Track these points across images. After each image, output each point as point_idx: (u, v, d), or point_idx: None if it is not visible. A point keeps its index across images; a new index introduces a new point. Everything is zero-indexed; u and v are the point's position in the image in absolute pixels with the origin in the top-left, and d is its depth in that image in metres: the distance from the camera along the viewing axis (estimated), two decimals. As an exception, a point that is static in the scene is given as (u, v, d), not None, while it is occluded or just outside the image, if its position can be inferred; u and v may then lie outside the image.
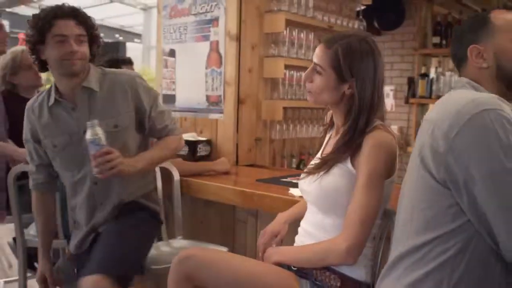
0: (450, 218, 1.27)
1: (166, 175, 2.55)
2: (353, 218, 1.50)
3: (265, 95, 3.19)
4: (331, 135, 1.79)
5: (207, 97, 3.19)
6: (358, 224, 1.49)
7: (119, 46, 13.54)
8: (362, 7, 3.92)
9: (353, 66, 1.60)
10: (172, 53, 3.41)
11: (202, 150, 3.06)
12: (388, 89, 5.12)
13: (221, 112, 3.11)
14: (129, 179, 2.08)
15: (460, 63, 1.51)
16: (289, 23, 3.14)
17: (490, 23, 1.45)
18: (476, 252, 1.26)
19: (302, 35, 3.23)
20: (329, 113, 1.80)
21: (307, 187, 1.68)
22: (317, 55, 1.65)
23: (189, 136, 3.13)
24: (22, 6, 7.95)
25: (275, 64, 3.11)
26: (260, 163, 3.18)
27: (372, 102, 1.61)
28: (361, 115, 1.60)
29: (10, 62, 3.04)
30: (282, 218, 1.85)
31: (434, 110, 1.40)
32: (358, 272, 1.58)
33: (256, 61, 3.12)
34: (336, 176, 1.60)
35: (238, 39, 3.02)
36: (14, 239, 2.83)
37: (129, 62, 2.86)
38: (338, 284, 1.56)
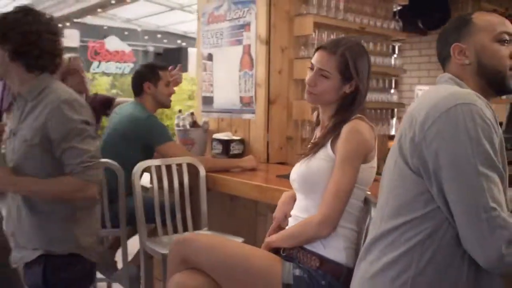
0: (422, 205, 1.35)
1: (193, 171, 2.73)
2: (327, 194, 1.68)
3: (296, 96, 3.31)
4: (316, 132, 1.93)
5: (241, 98, 3.35)
6: (330, 199, 1.66)
7: (181, 52, 14.08)
8: (399, 7, 3.95)
9: (358, 67, 1.79)
10: (210, 57, 3.60)
11: (235, 149, 3.23)
12: (434, 89, 5.08)
13: (253, 113, 3.26)
14: None
15: (444, 61, 1.60)
16: (318, 26, 3.25)
17: (472, 23, 1.53)
18: (445, 238, 1.34)
19: (332, 36, 3.33)
20: (315, 113, 1.95)
21: (294, 175, 1.83)
22: (321, 61, 1.82)
23: (223, 136, 3.31)
24: (89, 16, 8.44)
25: (305, 66, 3.22)
26: (292, 161, 3.30)
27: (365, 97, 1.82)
28: (355, 107, 1.79)
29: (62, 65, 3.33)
30: (287, 197, 2.00)
31: (415, 103, 1.49)
32: (337, 255, 1.69)
33: (286, 63, 3.26)
34: (318, 159, 1.77)
35: (268, 42, 3.17)
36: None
37: (164, 67, 3.07)
38: (317, 264, 1.68)
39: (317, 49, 1.87)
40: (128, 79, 6.10)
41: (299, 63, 3.26)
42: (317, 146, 1.78)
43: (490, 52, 1.50)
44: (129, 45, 10.76)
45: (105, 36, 10.63)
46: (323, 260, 1.68)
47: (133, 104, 2.97)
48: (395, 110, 4.41)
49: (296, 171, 1.82)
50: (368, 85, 1.84)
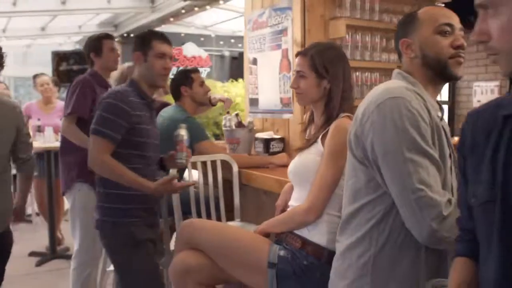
0: (372, 190, 1.52)
1: (228, 168, 2.97)
2: (313, 185, 1.87)
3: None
4: (310, 131, 2.11)
5: (281, 99, 3.56)
6: (316, 190, 1.85)
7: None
8: (442, 4, 3.98)
9: (326, 64, 1.99)
10: (254, 61, 3.84)
11: (275, 147, 3.45)
12: (492, 85, 5.02)
13: (291, 112, 3.46)
14: None
15: (399, 56, 1.74)
16: (352, 28, 3.38)
17: (416, 18, 1.66)
18: (397, 219, 1.49)
19: (366, 38, 3.45)
20: (308, 113, 2.13)
21: (290, 168, 2.02)
22: (298, 64, 2.07)
23: (265, 135, 3.54)
24: (163, 26, 8.95)
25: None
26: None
27: (343, 93, 1.99)
28: (335, 103, 1.96)
29: (119, 75, 3.70)
30: (288, 187, 2.19)
31: (363, 100, 1.64)
32: (320, 238, 1.88)
33: (322, 65, 3.42)
34: (309, 154, 1.97)
35: (303, 46, 3.34)
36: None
37: (195, 70, 3.37)
38: (299, 245, 1.88)
39: (296, 56, 2.08)
40: (213, 83, 6.45)
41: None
42: (310, 142, 1.97)
43: (431, 43, 1.61)
44: (205, 50, 11.21)
45: (182, 43, 11.14)
46: (305, 242, 1.87)
47: (174, 106, 3.28)
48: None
49: (291, 165, 2.02)
50: (347, 84, 2.02)
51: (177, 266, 1.99)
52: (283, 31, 3.51)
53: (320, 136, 1.95)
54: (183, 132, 2.41)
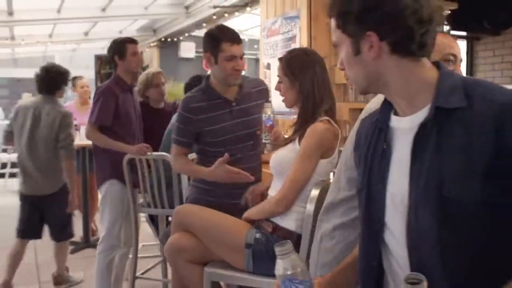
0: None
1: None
2: (286, 180, 2.12)
3: (338, 99, 3.71)
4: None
5: (290, 102, 3.83)
6: (287, 184, 2.11)
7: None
8: (448, 12, 4.16)
9: (293, 69, 2.21)
10: (268, 66, 4.13)
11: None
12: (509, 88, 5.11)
13: (299, 114, 3.73)
14: None
15: None
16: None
17: None
18: None
19: (370, 44, 3.68)
20: (293, 117, 2.39)
21: (271, 161, 2.28)
22: (277, 70, 2.28)
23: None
24: (200, 30, 9.33)
25: (343, 72, 3.62)
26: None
27: (314, 97, 2.19)
28: (306, 105, 2.18)
29: (144, 80, 4.03)
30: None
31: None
32: (288, 223, 2.14)
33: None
34: (286, 150, 2.23)
35: (309, 52, 3.62)
36: (149, 215, 3.80)
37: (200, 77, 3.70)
38: (270, 230, 2.15)
39: None
40: None
41: (339, 70, 3.65)
42: (287, 140, 2.23)
43: None
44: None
45: (218, 47, 11.52)
46: (277, 227, 2.14)
47: None
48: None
49: (271, 159, 2.29)
50: (321, 88, 2.20)
51: (170, 246, 2.29)
52: (292, 38, 3.79)
53: (298, 136, 2.19)
54: (262, 114, 2.43)
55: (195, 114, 2.56)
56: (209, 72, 2.71)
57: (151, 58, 11.24)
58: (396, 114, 1.28)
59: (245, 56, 2.67)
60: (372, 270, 1.30)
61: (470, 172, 1.10)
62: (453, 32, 4.85)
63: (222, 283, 2.47)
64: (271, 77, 4.05)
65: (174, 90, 7.44)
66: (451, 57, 1.87)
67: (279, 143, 2.32)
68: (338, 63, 1.30)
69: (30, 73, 14.88)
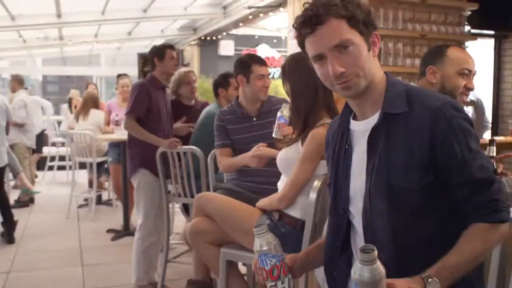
0: None
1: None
2: (288, 180, 2.35)
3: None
4: None
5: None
6: (289, 184, 2.33)
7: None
8: (469, 13, 4.28)
9: (287, 75, 2.41)
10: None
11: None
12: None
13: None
14: None
15: (420, 75, 2.32)
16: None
17: (446, 55, 2.23)
18: None
19: (390, 45, 3.86)
20: None
21: (277, 158, 2.49)
22: None
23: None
24: (239, 29, 9.60)
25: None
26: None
27: (307, 103, 2.34)
28: (302, 109, 2.34)
29: (177, 78, 4.33)
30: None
31: None
32: (294, 211, 2.37)
33: (348, 69, 3.88)
34: (289, 150, 2.42)
35: (331, 52, 3.82)
36: (183, 204, 4.08)
37: (232, 75, 3.96)
38: (277, 217, 2.39)
39: None
40: (278, 82, 7.01)
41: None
42: (292, 141, 2.42)
43: (452, 81, 2.21)
44: (278, 51, 11.76)
45: (257, 45, 11.76)
46: (283, 215, 2.37)
47: (213, 104, 3.89)
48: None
49: (278, 155, 2.49)
50: (317, 93, 2.32)
51: (191, 229, 2.57)
52: (316, 40, 4.00)
53: (301, 138, 2.36)
54: (279, 112, 2.64)
55: (225, 124, 3.10)
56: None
57: (192, 56, 11.58)
58: (354, 118, 1.50)
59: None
60: (338, 249, 1.55)
61: (411, 165, 1.34)
62: (478, 31, 4.93)
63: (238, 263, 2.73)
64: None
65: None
66: (466, 71, 2.12)
67: (285, 140, 2.51)
68: (335, 68, 1.35)
69: (78, 70, 15.58)
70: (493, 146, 2.13)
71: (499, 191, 1.35)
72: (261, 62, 3.08)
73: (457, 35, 4.14)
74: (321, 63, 1.40)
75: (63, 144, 9.16)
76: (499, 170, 2.13)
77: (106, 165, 6.89)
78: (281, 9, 6.76)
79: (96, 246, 5.15)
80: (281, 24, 10.59)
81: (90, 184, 6.63)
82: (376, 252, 1.19)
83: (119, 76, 6.43)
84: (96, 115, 6.56)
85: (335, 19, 1.35)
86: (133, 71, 10.01)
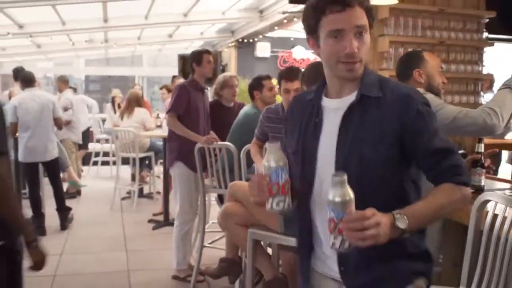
0: None
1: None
2: None
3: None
4: None
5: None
6: None
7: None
8: (486, 20, 4.51)
9: (307, 80, 2.80)
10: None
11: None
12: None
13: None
14: None
15: (405, 77, 2.71)
16: (397, 43, 4.12)
17: (425, 59, 2.71)
18: None
19: (409, 49, 4.15)
20: None
21: None
22: None
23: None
24: (275, 32, 9.97)
25: (384, 75, 4.13)
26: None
27: None
28: None
29: (222, 81, 4.72)
30: None
31: None
32: None
33: (370, 73, 4.19)
34: None
35: (355, 58, 4.15)
36: (218, 195, 4.46)
37: (267, 77, 4.31)
38: None
39: None
40: None
41: (381, 74, 4.15)
42: None
43: (436, 78, 2.70)
44: (313, 53, 12.04)
45: (292, 46, 12.09)
46: None
47: (249, 105, 4.26)
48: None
49: None
50: None
51: (223, 212, 2.95)
52: (341, 46, 4.33)
53: None
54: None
55: (265, 121, 3.63)
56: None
57: (229, 58, 12.00)
58: (326, 96, 1.70)
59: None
60: (305, 213, 1.72)
61: (380, 140, 1.57)
62: (496, 36, 5.12)
63: (263, 243, 3.09)
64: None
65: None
66: (442, 69, 2.65)
67: None
68: (355, 46, 1.52)
69: (120, 71, 16.23)
70: (481, 143, 2.45)
71: (460, 159, 1.61)
72: (290, 77, 3.47)
73: (475, 41, 4.38)
74: (336, 40, 1.55)
75: (107, 141, 9.62)
76: (486, 164, 2.45)
77: (147, 161, 7.37)
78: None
79: (139, 234, 5.61)
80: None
81: (133, 178, 7.11)
82: (346, 176, 1.39)
83: (174, 77, 6.90)
84: (140, 113, 7.04)
85: (359, 7, 1.55)
86: (173, 71, 10.45)
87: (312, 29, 1.62)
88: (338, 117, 1.63)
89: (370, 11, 1.59)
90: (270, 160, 1.57)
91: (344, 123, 1.61)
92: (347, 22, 1.53)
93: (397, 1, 3.79)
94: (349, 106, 1.61)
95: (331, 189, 1.39)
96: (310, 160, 1.68)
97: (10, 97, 6.90)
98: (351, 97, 1.62)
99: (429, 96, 2.44)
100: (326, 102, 1.69)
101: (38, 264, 2.04)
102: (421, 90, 2.47)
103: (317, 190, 1.66)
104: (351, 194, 1.39)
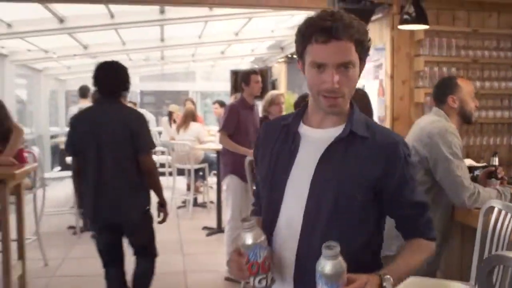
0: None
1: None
2: None
3: (417, 115, 4.47)
4: None
5: (378, 117, 4.70)
6: None
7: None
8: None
9: None
10: (363, 87, 5.02)
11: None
12: None
13: (384, 127, 4.59)
14: None
15: (441, 102, 2.94)
16: (433, 63, 4.41)
17: (459, 85, 2.91)
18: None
19: (444, 69, 4.43)
20: None
21: None
22: None
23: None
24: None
25: (421, 93, 4.43)
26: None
27: None
28: None
29: (270, 99, 5.14)
30: None
31: None
32: None
33: (407, 91, 4.48)
34: None
35: (392, 77, 4.46)
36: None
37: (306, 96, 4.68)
38: None
39: None
40: None
41: (417, 91, 4.46)
42: None
43: (469, 104, 2.88)
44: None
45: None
46: None
47: None
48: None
49: None
50: None
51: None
52: (380, 65, 4.66)
53: None
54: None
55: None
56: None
57: (279, 73, 12.38)
58: (304, 123, 1.61)
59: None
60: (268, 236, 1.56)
61: (362, 180, 1.51)
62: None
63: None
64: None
65: (297, 102, 8.55)
66: (474, 95, 2.93)
67: None
68: (335, 81, 1.43)
69: (175, 86, 16.84)
70: (495, 157, 2.75)
71: (429, 212, 1.64)
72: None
73: (509, 59, 4.59)
74: (319, 71, 1.47)
75: (163, 153, 10.12)
76: (499, 176, 2.73)
77: (201, 172, 7.84)
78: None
79: (194, 239, 6.06)
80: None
81: (188, 188, 7.59)
82: (338, 248, 1.30)
83: (233, 93, 7.40)
84: (195, 128, 7.57)
85: (348, 41, 1.44)
86: (226, 86, 10.89)
87: (299, 54, 1.56)
88: (317, 148, 1.55)
89: (361, 43, 1.48)
90: (246, 238, 1.46)
91: (326, 155, 1.53)
92: (330, 57, 1.44)
93: (428, 26, 4.07)
94: (336, 139, 1.54)
95: (323, 261, 1.32)
96: (279, 187, 1.59)
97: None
98: (335, 130, 1.56)
99: (451, 139, 2.69)
100: (304, 129, 1.62)
101: (164, 219, 3.72)
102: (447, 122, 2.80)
103: (282, 218, 1.58)
104: (343, 265, 1.33)
